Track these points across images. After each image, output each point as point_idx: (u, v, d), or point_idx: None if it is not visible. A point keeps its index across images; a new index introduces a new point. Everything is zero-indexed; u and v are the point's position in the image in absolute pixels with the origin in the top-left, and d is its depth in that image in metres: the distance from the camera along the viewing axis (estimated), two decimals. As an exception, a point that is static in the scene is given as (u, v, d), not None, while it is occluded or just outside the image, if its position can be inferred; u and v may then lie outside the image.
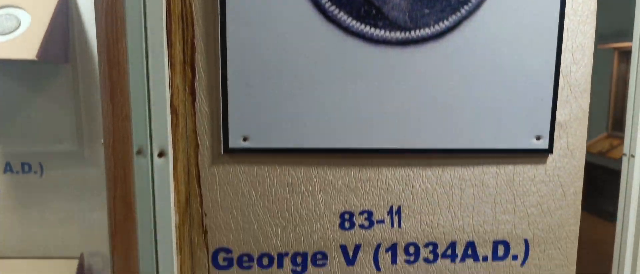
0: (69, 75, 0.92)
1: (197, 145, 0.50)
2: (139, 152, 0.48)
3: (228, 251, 0.52)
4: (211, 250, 0.51)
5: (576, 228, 0.55)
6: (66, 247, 0.97)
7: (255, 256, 0.52)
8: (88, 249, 0.98)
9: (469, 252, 0.54)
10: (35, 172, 0.95)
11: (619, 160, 0.69)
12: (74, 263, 1.01)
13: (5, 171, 0.95)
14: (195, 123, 0.49)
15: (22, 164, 0.95)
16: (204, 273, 0.52)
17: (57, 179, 0.94)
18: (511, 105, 0.51)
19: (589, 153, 0.53)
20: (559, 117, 0.53)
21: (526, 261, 0.55)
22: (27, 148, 0.92)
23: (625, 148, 0.68)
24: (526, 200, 0.54)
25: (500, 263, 0.54)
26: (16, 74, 0.92)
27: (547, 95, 0.52)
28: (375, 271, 0.53)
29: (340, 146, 0.50)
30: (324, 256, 0.53)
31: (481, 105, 0.51)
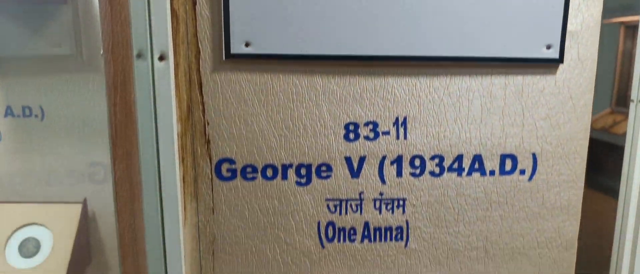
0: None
1: (198, 51, 0.48)
2: (139, 56, 0.47)
3: (231, 162, 0.51)
4: (214, 161, 0.51)
5: (585, 143, 0.54)
6: (69, 192, 0.97)
7: (259, 168, 0.51)
8: (91, 195, 0.98)
9: (476, 166, 0.53)
10: (36, 116, 0.94)
11: (622, 136, 0.66)
12: (78, 208, 1.00)
13: (5, 115, 0.94)
14: (196, 27, 0.48)
15: (23, 108, 0.95)
16: (207, 184, 0.51)
17: (58, 123, 0.93)
18: (522, 12, 0.50)
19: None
20: (570, 26, 0.51)
21: (534, 176, 0.54)
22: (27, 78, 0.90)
23: (633, 94, 0.64)
24: (535, 112, 0.52)
25: (507, 177, 0.53)
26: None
27: (558, 3, 0.50)
28: (380, 183, 0.53)
29: (346, 53, 0.49)
30: (328, 168, 0.52)
31: (491, 12, 0.49)
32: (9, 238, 0.99)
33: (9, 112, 0.95)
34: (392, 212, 0.53)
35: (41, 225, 1.01)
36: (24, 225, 1.00)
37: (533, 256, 0.55)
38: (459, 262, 0.55)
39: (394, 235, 0.54)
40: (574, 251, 0.56)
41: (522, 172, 0.53)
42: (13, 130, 0.96)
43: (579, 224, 0.56)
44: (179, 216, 0.50)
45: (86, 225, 1.01)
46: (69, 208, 0.98)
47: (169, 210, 0.50)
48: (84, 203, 0.99)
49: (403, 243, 0.54)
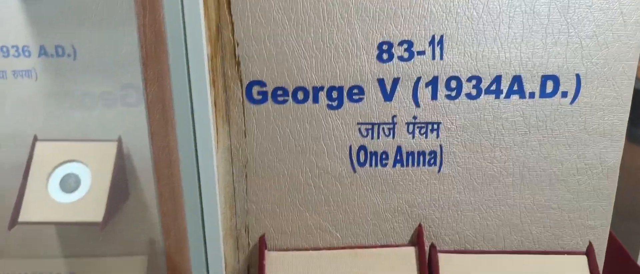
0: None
1: (226, -33, 0.47)
2: (167, -27, 0.46)
3: (262, 84, 0.50)
4: (245, 83, 0.50)
5: (635, 63, 0.51)
6: (104, 130, 0.99)
7: (290, 90, 0.50)
8: (126, 132, 1.00)
9: (515, 87, 0.51)
10: (68, 55, 0.96)
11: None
12: (113, 146, 1.03)
13: (39, 55, 0.96)
14: (223, -58, 0.46)
15: (56, 47, 0.96)
16: (238, 107, 0.51)
17: (91, 63, 0.94)
18: None
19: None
20: None
21: (576, 99, 0.51)
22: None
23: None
24: (581, 29, 0.49)
25: (548, 100, 0.51)
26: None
27: None
28: (414, 107, 0.51)
29: (379, -34, 0.46)
30: (361, 91, 0.51)
31: None
32: (50, 174, 1.02)
33: (42, 51, 0.97)
34: (426, 136, 0.52)
35: (80, 161, 1.04)
36: (64, 162, 1.03)
37: (572, 183, 0.54)
38: (493, 188, 0.54)
39: (427, 160, 0.53)
40: (615, 179, 0.54)
41: (564, 94, 0.51)
42: (47, 70, 0.98)
43: (622, 151, 0.54)
44: (211, 139, 0.50)
45: (122, 162, 1.03)
46: (105, 146, 1.01)
47: (202, 132, 0.50)
48: (119, 141, 1.01)
49: (436, 168, 0.53)
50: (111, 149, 1.05)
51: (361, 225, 0.55)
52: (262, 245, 0.54)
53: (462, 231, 0.55)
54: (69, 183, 0.99)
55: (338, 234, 0.55)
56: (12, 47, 0.88)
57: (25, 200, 0.84)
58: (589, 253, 0.55)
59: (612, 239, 0.58)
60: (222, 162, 0.52)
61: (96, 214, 0.88)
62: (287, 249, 0.55)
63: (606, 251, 0.56)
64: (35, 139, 0.87)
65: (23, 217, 0.81)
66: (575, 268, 0.54)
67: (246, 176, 0.53)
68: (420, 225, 0.55)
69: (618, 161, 0.53)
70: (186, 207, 0.54)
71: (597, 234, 0.56)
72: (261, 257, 0.53)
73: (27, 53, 0.91)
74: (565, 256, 0.55)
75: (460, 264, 0.54)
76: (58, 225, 0.95)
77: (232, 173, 0.53)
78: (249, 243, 0.55)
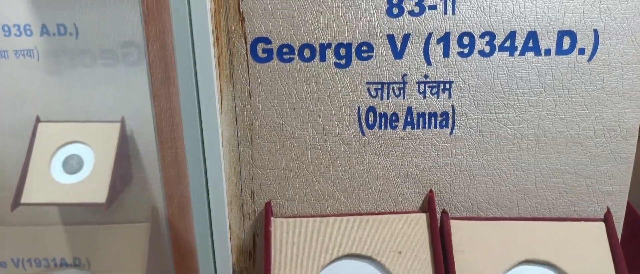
0: None
1: None
2: None
3: (267, 41, 0.48)
4: (249, 40, 0.48)
5: (655, 18, 0.49)
6: (107, 110, 0.98)
7: (296, 48, 0.49)
8: (128, 113, 0.99)
9: (530, 44, 0.49)
10: (70, 34, 0.94)
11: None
12: (116, 127, 1.02)
13: (41, 34, 0.95)
14: None
15: (58, 26, 0.94)
16: (243, 65, 0.49)
17: (92, 41, 0.93)
18: None
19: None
20: None
21: (594, 56, 0.49)
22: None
23: None
24: (599, -18, 0.47)
25: (565, 57, 0.49)
26: None
27: None
28: (425, 65, 0.49)
29: None
30: (370, 48, 0.49)
31: None
32: (52, 155, 1.01)
33: (44, 30, 0.96)
34: (438, 96, 0.50)
35: (83, 142, 1.02)
36: (67, 143, 1.01)
37: (588, 145, 0.52)
38: (507, 151, 0.52)
39: (438, 121, 0.51)
40: (634, 141, 0.52)
41: (581, 51, 0.49)
42: (49, 49, 0.96)
43: (641, 113, 0.51)
44: (215, 99, 0.49)
45: (126, 143, 1.02)
46: (108, 127, 1.00)
47: (205, 92, 0.49)
48: (122, 122, 1.00)
49: (448, 130, 0.51)
50: (114, 130, 1.03)
51: (370, 191, 0.53)
52: (268, 212, 0.52)
53: (474, 197, 0.53)
54: (72, 164, 0.98)
55: (346, 201, 0.53)
56: (14, 25, 0.86)
57: (28, 181, 0.82)
58: (607, 219, 0.53)
59: (629, 210, 0.56)
60: (226, 125, 0.51)
61: (100, 195, 0.86)
62: (293, 216, 0.53)
63: (624, 220, 0.54)
64: (38, 120, 0.86)
65: (26, 198, 0.80)
66: (592, 235, 0.52)
67: (251, 139, 0.51)
68: (431, 191, 0.53)
69: (637, 123, 0.51)
70: (190, 172, 0.52)
71: (615, 200, 0.53)
72: (267, 223, 0.52)
73: (28, 33, 0.89)
74: (582, 223, 0.53)
75: (473, 231, 0.52)
76: (61, 206, 0.94)
77: (237, 136, 0.51)
78: (254, 210, 0.54)
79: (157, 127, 0.51)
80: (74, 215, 0.74)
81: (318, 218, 0.53)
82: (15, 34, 0.86)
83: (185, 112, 0.50)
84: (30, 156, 0.84)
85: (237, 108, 0.51)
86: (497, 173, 0.53)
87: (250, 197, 0.53)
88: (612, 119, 0.51)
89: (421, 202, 0.54)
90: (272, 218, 0.53)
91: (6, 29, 0.85)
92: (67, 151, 0.99)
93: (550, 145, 0.52)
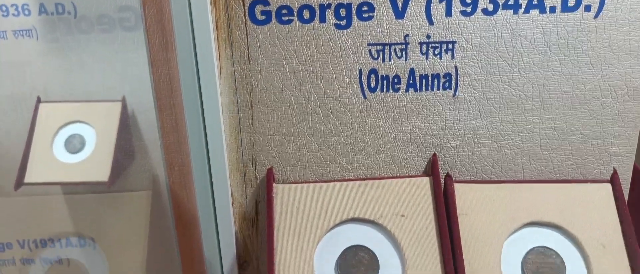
0: None
1: None
2: None
3: (265, 2, 0.47)
4: (247, 2, 0.47)
5: (664, -29, 0.47)
6: (107, 90, 0.97)
7: (295, 9, 0.48)
8: (129, 92, 0.98)
9: (535, 1, 0.47)
10: (69, 13, 0.93)
11: None
12: (118, 106, 1.02)
13: (40, 13, 0.94)
14: None
15: (56, 5, 0.93)
16: (241, 28, 0.48)
17: (91, 20, 0.92)
18: None
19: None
20: None
21: (601, 13, 0.48)
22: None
23: None
24: None
25: (570, 14, 0.48)
26: None
27: None
28: (427, 24, 0.48)
29: None
30: (370, 8, 0.48)
31: None
32: (54, 135, 1.01)
33: (42, 9, 0.95)
34: (440, 57, 0.49)
35: (84, 122, 1.02)
36: (68, 123, 1.01)
37: (595, 106, 0.51)
38: (511, 113, 0.51)
39: (441, 83, 0.50)
40: (642, 101, 0.51)
41: (587, 8, 0.48)
42: (48, 28, 0.96)
43: (649, 72, 0.50)
44: (214, 63, 0.48)
45: (127, 122, 1.01)
46: (109, 106, 0.99)
47: (204, 57, 0.48)
48: (123, 101, 1.00)
49: (451, 92, 0.50)
50: (115, 109, 1.03)
51: (372, 155, 0.53)
52: (269, 178, 0.52)
53: (478, 160, 0.53)
54: (74, 144, 0.97)
55: (348, 166, 0.53)
56: (12, 5, 0.85)
57: (31, 161, 0.82)
58: (614, 180, 0.52)
59: (635, 172, 0.55)
60: (225, 90, 0.50)
61: (102, 173, 0.86)
62: (295, 182, 0.53)
63: (630, 188, 0.54)
64: (39, 100, 0.85)
65: (29, 178, 0.80)
66: (599, 196, 0.51)
67: (251, 105, 0.51)
68: (434, 154, 0.52)
69: (645, 82, 0.50)
70: (190, 140, 0.51)
71: (621, 161, 0.53)
72: (269, 189, 0.51)
73: (26, 12, 0.88)
74: (588, 184, 0.52)
75: (477, 195, 0.52)
76: (64, 185, 0.94)
77: (237, 102, 0.51)
78: (256, 177, 0.53)
79: (155, 94, 0.50)
80: (76, 188, 0.74)
81: (320, 184, 0.52)
82: (13, 14, 0.86)
83: (184, 78, 0.49)
84: (32, 136, 0.84)
85: (236, 73, 0.50)
86: (501, 136, 0.52)
87: (252, 164, 0.53)
88: (619, 78, 0.50)
89: (425, 166, 0.53)
90: (274, 184, 0.52)
91: (4, 8, 0.84)
92: (69, 131, 0.99)
93: (555, 106, 0.51)
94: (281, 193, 0.52)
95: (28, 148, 0.82)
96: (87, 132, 0.98)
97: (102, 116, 1.01)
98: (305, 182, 0.53)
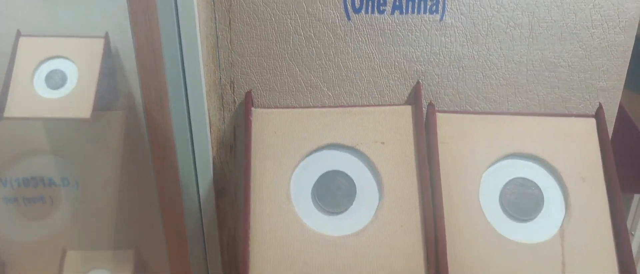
0: None
1: None
2: None
3: None
4: None
5: None
6: (90, 26, 0.94)
7: None
8: (113, 29, 0.95)
9: None
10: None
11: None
12: (100, 42, 0.99)
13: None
14: None
15: None
16: (219, -62, 0.46)
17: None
18: None
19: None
20: None
21: None
22: None
23: None
24: None
25: None
26: None
27: None
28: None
29: None
30: None
31: None
32: (35, 70, 0.98)
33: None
34: (428, -23, 0.47)
35: (66, 58, 0.99)
36: (49, 58, 0.98)
37: (584, 36, 0.49)
38: (499, 41, 0.49)
39: (428, 7, 0.48)
40: (633, 34, 0.50)
41: None
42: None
43: (643, 3, 0.49)
44: (190, -25, 0.46)
45: (110, 60, 0.99)
46: (92, 42, 0.96)
47: (180, -33, 0.45)
48: (106, 37, 0.97)
49: (438, 16, 0.48)
50: (98, 45, 1.00)
51: (355, 82, 0.51)
52: (248, 101, 0.50)
53: (463, 90, 0.51)
54: (55, 79, 0.95)
55: (330, 93, 0.51)
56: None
57: (10, 96, 0.80)
58: (599, 115, 0.51)
59: (621, 111, 0.54)
60: (202, 5, 0.48)
61: (84, 110, 0.85)
62: (275, 107, 0.51)
63: (615, 125, 0.53)
64: (19, 34, 0.83)
65: (9, 113, 0.78)
66: (582, 131, 0.51)
67: (230, 23, 0.49)
68: (418, 82, 0.51)
69: (638, 13, 0.49)
70: (165, 58, 0.50)
71: (608, 97, 0.52)
72: (247, 113, 0.50)
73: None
74: (573, 118, 0.51)
75: (459, 124, 0.51)
76: (45, 120, 0.92)
77: (215, 18, 0.49)
78: (234, 100, 0.52)
79: (130, 7, 0.48)
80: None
81: (300, 110, 0.51)
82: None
83: (159, -8, 0.47)
84: (12, 70, 0.82)
85: (214, -13, 0.48)
86: (487, 65, 0.50)
87: (230, 86, 0.51)
88: (611, 8, 0.48)
89: (408, 95, 0.52)
90: (252, 108, 0.51)
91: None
92: (50, 66, 0.96)
93: (544, 36, 0.49)
94: (260, 117, 0.50)
95: (8, 82, 0.80)
96: (69, 68, 0.96)
97: (84, 52, 0.98)
98: (285, 108, 0.51)
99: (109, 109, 0.65)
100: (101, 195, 0.91)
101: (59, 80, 0.94)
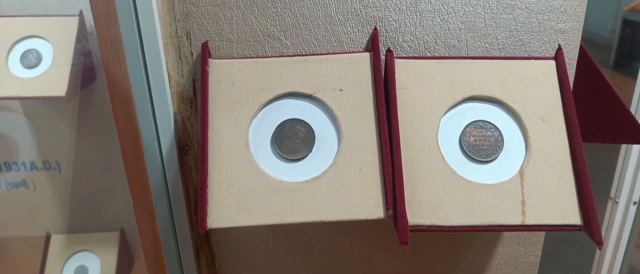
0: None
1: None
2: None
3: None
4: None
5: None
6: (64, 4, 0.94)
7: None
8: (87, 6, 0.95)
9: None
10: None
11: None
12: (75, 20, 0.98)
13: None
14: None
15: None
16: None
17: None
18: None
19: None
20: None
21: None
22: None
23: None
24: None
25: None
26: None
27: None
28: None
29: None
30: None
31: None
32: (9, 50, 0.98)
33: None
34: None
35: (40, 37, 0.99)
36: (24, 38, 0.98)
37: (541, -23, 0.49)
38: None
39: (381, -51, 0.48)
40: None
41: None
42: None
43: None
44: None
45: (85, 38, 0.98)
46: (66, 21, 0.96)
47: None
48: (81, 15, 0.96)
49: (391, -41, 0.48)
50: (72, 24, 1.00)
51: (312, 30, 0.51)
52: (204, 52, 0.50)
53: (421, 36, 0.51)
54: (30, 59, 0.95)
55: (287, 42, 0.51)
56: None
57: (-15, 75, 0.79)
58: (558, 57, 0.51)
59: (581, 52, 0.54)
60: (154, -47, 0.47)
61: (59, 88, 0.84)
62: (232, 58, 0.51)
63: (576, 69, 0.52)
64: (-8, 15, 0.81)
65: (-15, 94, 0.78)
66: (542, 73, 0.50)
67: (183, -29, 0.48)
68: (375, 28, 0.50)
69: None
70: (118, 10, 0.49)
71: (567, 39, 0.51)
72: (203, 64, 0.49)
73: None
74: (532, 61, 0.51)
75: (418, 71, 0.50)
76: (21, 99, 0.92)
77: (167, -32, 0.48)
78: (192, 53, 0.51)
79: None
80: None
81: (257, 59, 0.51)
82: None
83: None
84: (-15, 50, 0.81)
85: None
86: (444, 9, 0.50)
87: (187, 38, 0.51)
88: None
89: (366, 42, 0.51)
90: (209, 60, 0.50)
91: None
92: (25, 46, 0.96)
93: (501, -23, 0.49)
94: (216, 68, 0.50)
95: (-19, 62, 0.79)
96: (44, 47, 0.96)
97: (59, 31, 0.98)
98: (242, 57, 0.51)
99: (87, 88, 0.64)
100: (83, 177, 0.90)
101: (34, 60, 0.94)
